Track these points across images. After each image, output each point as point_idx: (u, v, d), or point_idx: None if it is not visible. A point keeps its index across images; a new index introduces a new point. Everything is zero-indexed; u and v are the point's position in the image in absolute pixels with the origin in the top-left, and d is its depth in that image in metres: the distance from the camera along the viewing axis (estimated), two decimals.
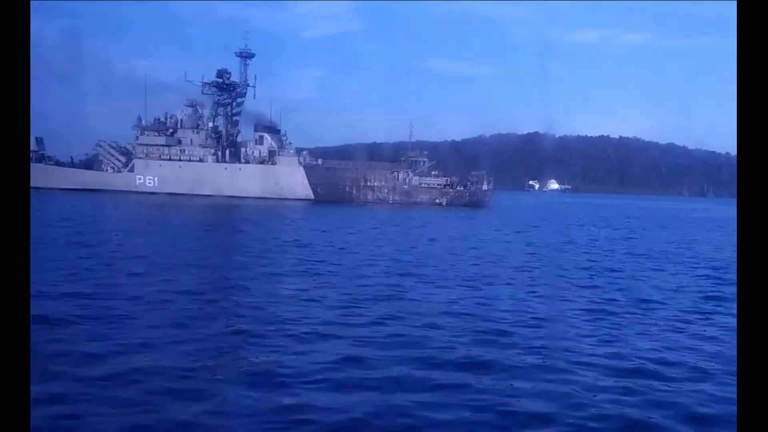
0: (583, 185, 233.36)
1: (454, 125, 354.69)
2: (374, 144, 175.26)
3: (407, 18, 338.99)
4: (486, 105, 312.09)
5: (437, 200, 70.43)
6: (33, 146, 73.68)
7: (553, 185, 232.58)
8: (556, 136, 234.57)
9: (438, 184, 71.60)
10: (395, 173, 71.29)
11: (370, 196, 70.85)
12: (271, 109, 76.87)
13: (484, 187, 72.10)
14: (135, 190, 71.05)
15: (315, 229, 34.99)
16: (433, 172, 73.75)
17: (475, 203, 69.86)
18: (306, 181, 70.94)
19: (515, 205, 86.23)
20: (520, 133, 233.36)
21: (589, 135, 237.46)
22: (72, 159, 76.56)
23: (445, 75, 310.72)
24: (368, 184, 70.95)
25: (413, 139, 77.53)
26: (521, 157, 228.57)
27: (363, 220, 45.81)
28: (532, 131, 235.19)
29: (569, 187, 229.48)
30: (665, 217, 71.52)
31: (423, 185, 71.30)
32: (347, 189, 71.17)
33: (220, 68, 73.35)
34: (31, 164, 72.16)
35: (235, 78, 74.35)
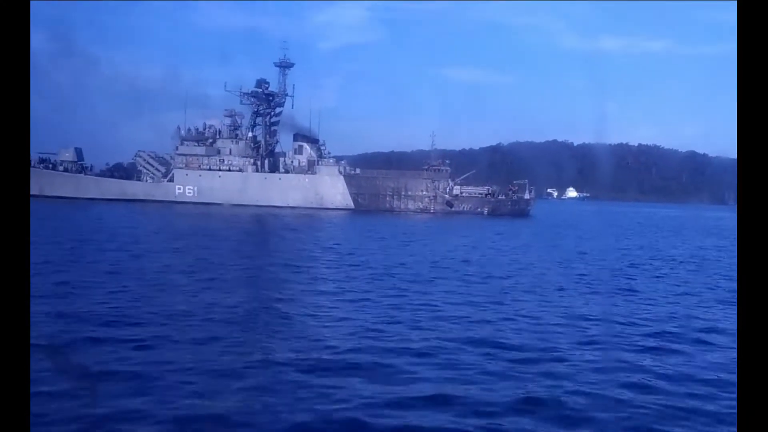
0: (602, 193, 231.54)
1: (472, 133, 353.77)
2: (392, 153, 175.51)
3: (424, 27, 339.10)
4: (504, 113, 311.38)
5: (479, 209, 69.81)
6: (72, 157, 74.10)
7: (572, 193, 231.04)
8: (575, 144, 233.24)
9: (479, 193, 71.06)
10: (436, 182, 70.82)
11: (411, 206, 70.37)
12: (310, 118, 76.53)
13: (526, 195, 71.50)
14: (174, 200, 70.92)
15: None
16: (454, 180, 72.69)
17: (518, 212, 69.25)
18: (346, 190, 70.65)
19: (551, 214, 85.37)
20: (538, 141, 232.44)
21: (608, 143, 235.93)
22: (91, 167, 76.09)
23: (462, 83, 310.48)
24: (409, 193, 70.51)
25: (433, 148, 77.17)
26: (539, 165, 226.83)
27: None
28: (550, 139, 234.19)
29: (588, 195, 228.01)
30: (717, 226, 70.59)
31: (464, 194, 70.78)
32: (388, 198, 70.77)
33: (258, 78, 73.50)
34: (71, 175, 72.63)
35: (271, 88, 74.28)
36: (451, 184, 71.13)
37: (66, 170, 73.07)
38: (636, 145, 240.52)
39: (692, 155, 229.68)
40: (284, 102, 74.63)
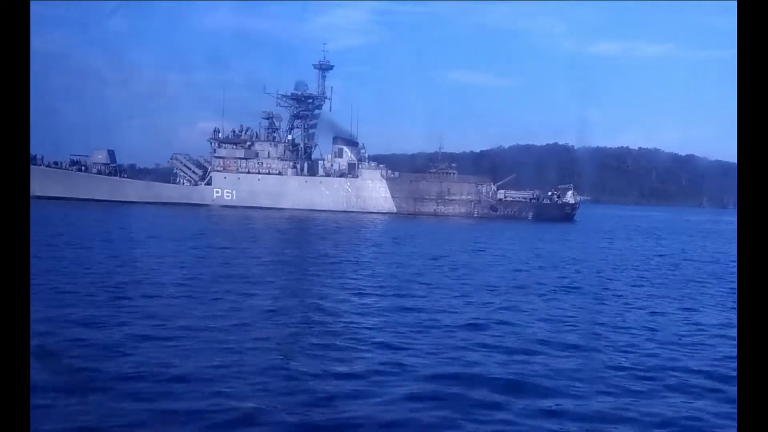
0: (602, 196, 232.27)
1: (473, 136, 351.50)
2: (394, 155, 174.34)
3: (424, 30, 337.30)
4: (504, 116, 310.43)
5: (524, 213, 69.15)
6: (105, 159, 72.37)
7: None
8: (575, 147, 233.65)
9: (523, 197, 70.45)
10: (479, 186, 70.09)
11: (455, 210, 69.47)
12: (351, 120, 75.58)
13: (572, 200, 71.02)
14: (212, 203, 69.39)
15: None
16: (496, 184, 71.97)
17: (564, 217, 68.76)
18: (389, 194, 69.66)
19: (583, 219, 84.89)
20: (538, 144, 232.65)
21: (608, 146, 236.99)
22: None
23: (462, 86, 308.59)
24: (453, 197, 69.64)
25: (440, 151, 76.95)
26: (540, 168, 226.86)
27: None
28: (551, 142, 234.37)
29: (588, 198, 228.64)
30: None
31: (508, 198, 70.11)
32: (431, 202, 69.84)
33: (298, 80, 72.50)
34: (105, 177, 70.95)
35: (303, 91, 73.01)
36: (494, 187, 70.44)
37: (99, 172, 71.34)
38: (636, 148, 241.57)
39: (692, 158, 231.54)
40: (323, 104, 73.69)
